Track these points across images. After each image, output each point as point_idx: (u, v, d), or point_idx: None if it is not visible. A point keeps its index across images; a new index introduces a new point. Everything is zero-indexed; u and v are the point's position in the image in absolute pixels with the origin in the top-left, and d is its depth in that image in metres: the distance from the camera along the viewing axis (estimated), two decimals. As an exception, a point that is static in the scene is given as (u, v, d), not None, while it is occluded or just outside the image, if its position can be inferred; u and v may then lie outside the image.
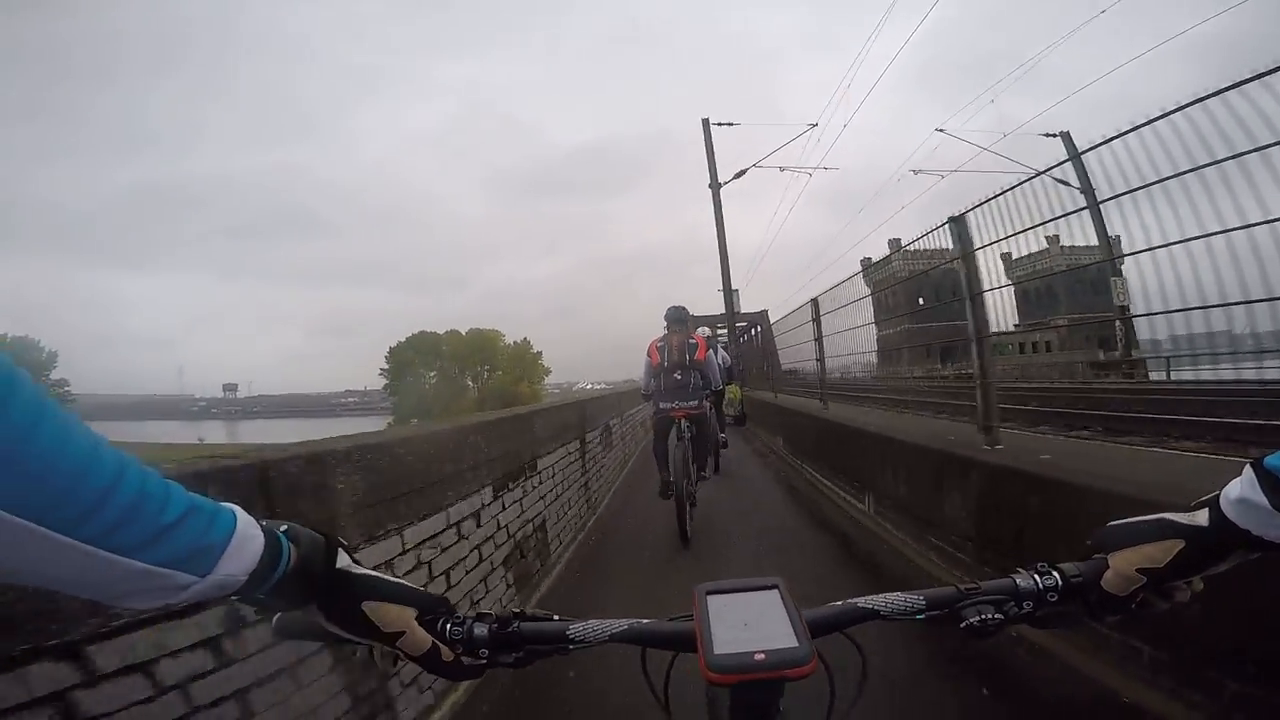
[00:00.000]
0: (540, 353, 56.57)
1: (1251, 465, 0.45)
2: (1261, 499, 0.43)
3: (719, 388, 4.72)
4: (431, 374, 52.48)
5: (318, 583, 0.45)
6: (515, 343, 55.94)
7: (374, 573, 0.50)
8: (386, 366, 51.36)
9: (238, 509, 0.41)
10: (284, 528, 0.45)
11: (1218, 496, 0.47)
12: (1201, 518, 0.48)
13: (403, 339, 52.81)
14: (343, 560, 0.48)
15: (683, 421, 4.14)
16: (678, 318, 4.40)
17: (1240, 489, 0.45)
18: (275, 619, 0.50)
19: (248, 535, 0.41)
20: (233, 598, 0.41)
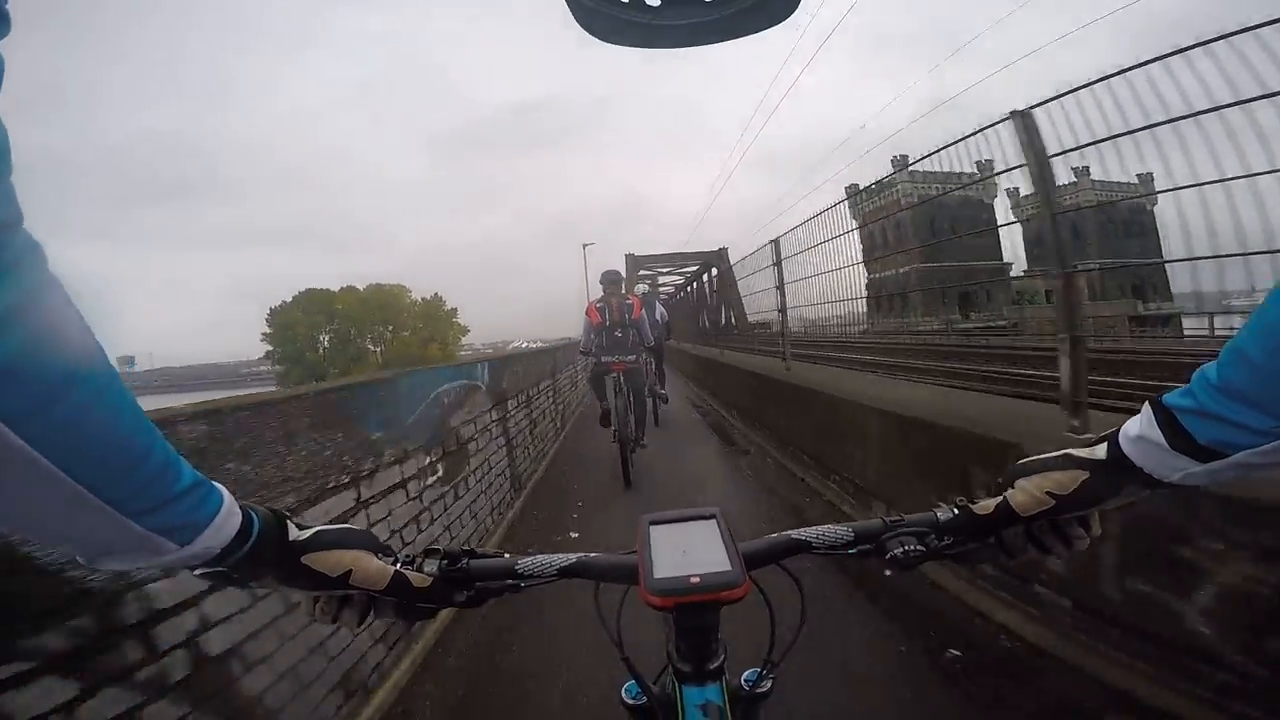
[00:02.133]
0: (455, 309, 52.64)
1: (1150, 403, 0.48)
2: (1158, 436, 0.46)
3: (651, 344, 5.33)
4: (325, 336, 47.59)
5: (272, 555, 0.49)
6: (424, 299, 51.40)
7: (318, 527, 0.53)
8: (268, 331, 45.87)
9: (224, 489, 0.45)
10: (254, 507, 0.49)
11: (1117, 432, 0.50)
12: (1101, 451, 0.51)
13: (287, 299, 47.09)
14: (293, 533, 0.51)
15: (619, 374, 4.74)
16: (613, 280, 5.04)
17: (1139, 426, 0.48)
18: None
19: (230, 513, 0.45)
20: (198, 569, 0.45)
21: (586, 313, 4.95)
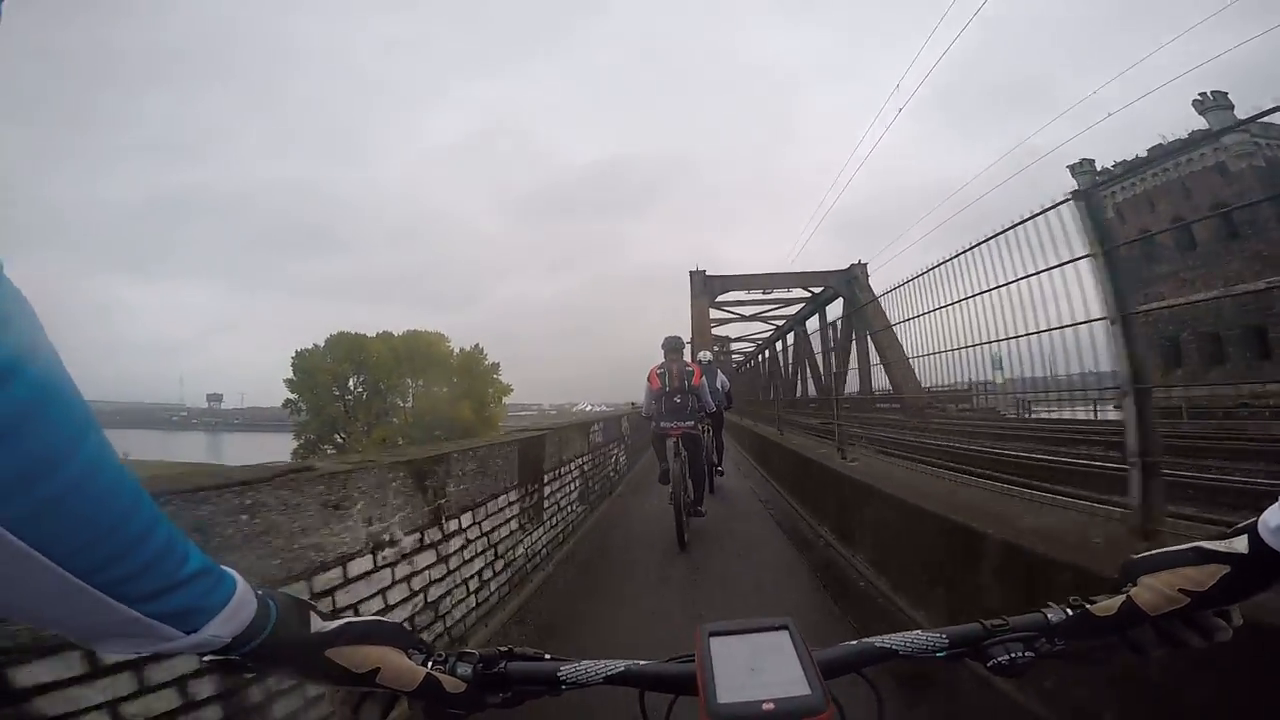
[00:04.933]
0: (497, 364, 49.61)
1: None
2: None
3: (713, 410, 6.34)
4: (355, 386, 45.21)
5: (293, 648, 0.50)
6: (464, 350, 48.48)
7: (345, 620, 0.54)
8: (291, 378, 43.89)
9: (238, 574, 0.47)
10: (272, 594, 0.51)
11: (1255, 523, 0.51)
12: (1240, 545, 0.51)
13: (316, 343, 45.39)
14: (316, 624, 0.52)
15: (676, 439, 5.19)
16: (674, 346, 5.48)
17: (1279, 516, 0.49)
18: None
19: (244, 601, 0.46)
20: (208, 656, 0.46)
21: (648, 378, 5.43)
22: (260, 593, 0.49)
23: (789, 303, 23.47)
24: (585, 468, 6.10)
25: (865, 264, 20.24)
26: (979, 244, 2.98)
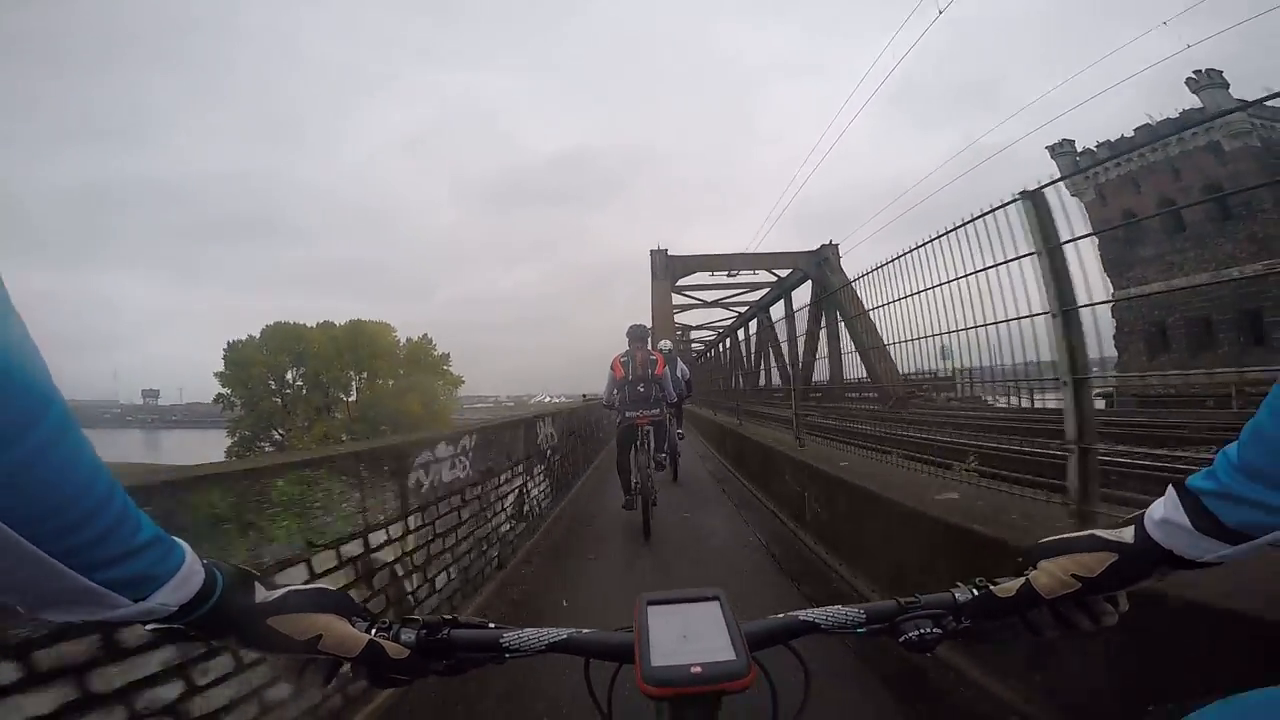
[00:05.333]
0: (446, 355, 47.69)
1: (1174, 486, 0.53)
2: (1184, 519, 0.51)
3: (674, 400, 5.93)
4: (293, 379, 42.73)
5: (236, 616, 0.51)
6: (410, 340, 46.39)
7: (289, 588, 0.55)
8: (223, 370, 41.14)
9: (187, 546, 0.48)
10: (219, 565, 0.52)
11: (1142, 515, 0.55)
12: (1128, 535, 0.56)
13: (251, 334, 42.66)
14: (260, 594, 0.54)
15: (646, 428, 5.15)
16: (639, 335, 5.50)
17: (1164, 509, 0.53)
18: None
19: (192, 570, 0.47)
20: (151, 625, 0.47)
21: (611, 366, 5.40)
22: (206, 563, 0.50)
23: (754, 287, 22.38)
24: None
25: (837, 245, 19.39)
26: (951, 230, 3.01)
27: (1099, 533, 0.57)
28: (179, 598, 0.46)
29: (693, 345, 28.29)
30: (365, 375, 44.68)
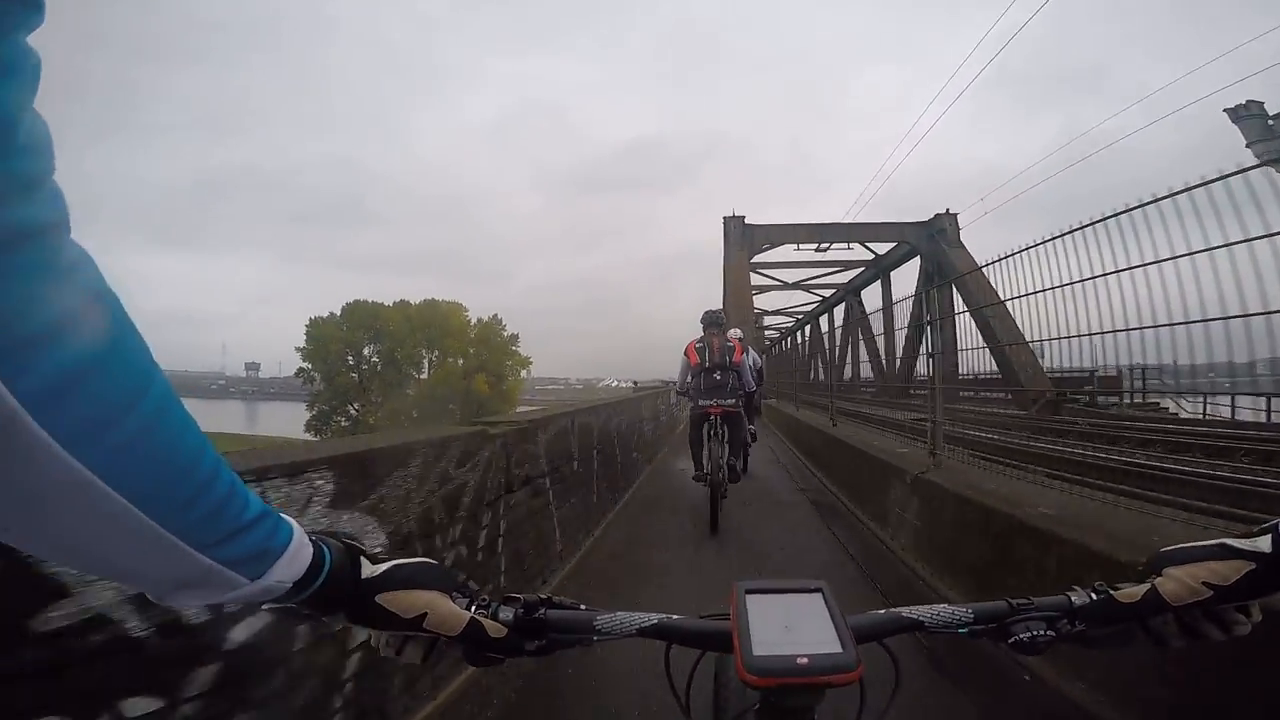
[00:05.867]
0: (515, 335, 47.65)
1: None
2: None
3: (753, 389, 5.60)
4: (370, 355, 43.70)
5: (345, 592, 0.51)
6: (481, 320, 46.54)
7: (393, 562, 0.55)
8: (303, 346, 42.46)
9: (294, 521, 0.47)
10: (325, 540, 0.51)
11: (1278, 524, 0.53)
12: (1264, 544, 0.52)
13: (334, 311, 43.85)
14: (366, 569, 0.53)
15: (717, 417, 4.93)
16: (714, 321, 5.21)
17: None
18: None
19: (301, 545, 0.47)
20: (267, 604, 0.47)
21: (685, 352, 5.18)
22: (314, 538, 0.50)
23: (846, 266, 19.41)
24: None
25: (956, 215, 16.20)
26: (1139, 206, 2.67)
27: (1231, 541, 0.54)
28: (292, 573, 0.46)
29: (765, 332, 26.13)
30: (437, 354, 45.18)
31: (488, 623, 0.56)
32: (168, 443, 0.36)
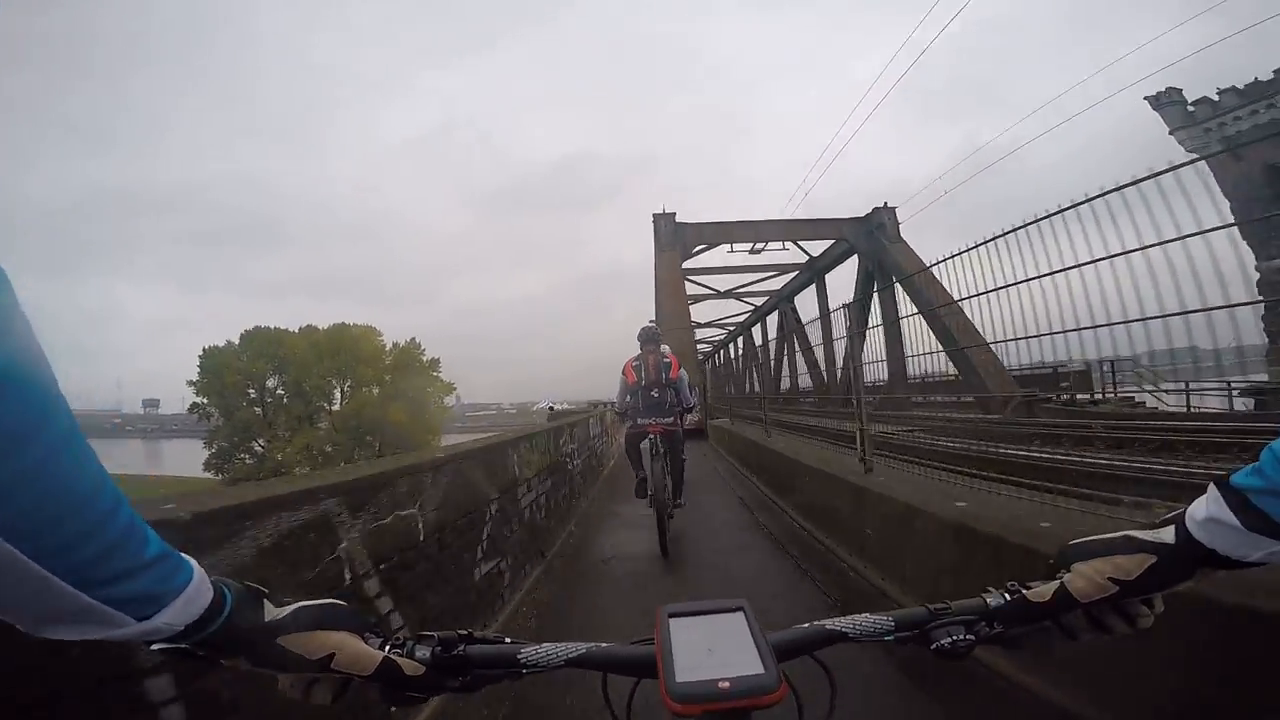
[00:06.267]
0: (436, 359, 45.18)
1: (1216, 484, 0.51)
2: (1230, 518, 0.49)
3: (691, 405, 5.31)
4: (276, 388, 40.32)
5: (246, 635, 0.50)
6: (397, 345, 43.83)
7: (297, 605, 0.54)
8: (196, 379, 38.71)
9: (194, 562, 0.46)
10: (226, 583, 0.50)
11: (1183, 515, 0.54)
12: (1168, 535, 0.54)
13: (230, 339, 40.27)
14: (269, 612, 0.52)
15: (656, 436, 4.87)
16: (650, 337, 5.11)
17: (1207, 508, 0.52)
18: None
19: (200, 589, 0.46)
20: (157, 644, 0.45)
21: (623, 371, 5.11)
22: (215, 580, 0.48)
23: (779, 270, 18.56)
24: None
25: (894, 209, 15.75)
26: (1088, 200, 2.76)
27: (1135, 534, 0.56)
28: (185, 617, 0.44)
29: (697, 346, 25.32)
30: (350, 383, 42.08)
31: (404, 661, 0.55)
32: (62, 479, 0.34)
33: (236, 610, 0.48)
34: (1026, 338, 3.25)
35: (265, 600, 0.52)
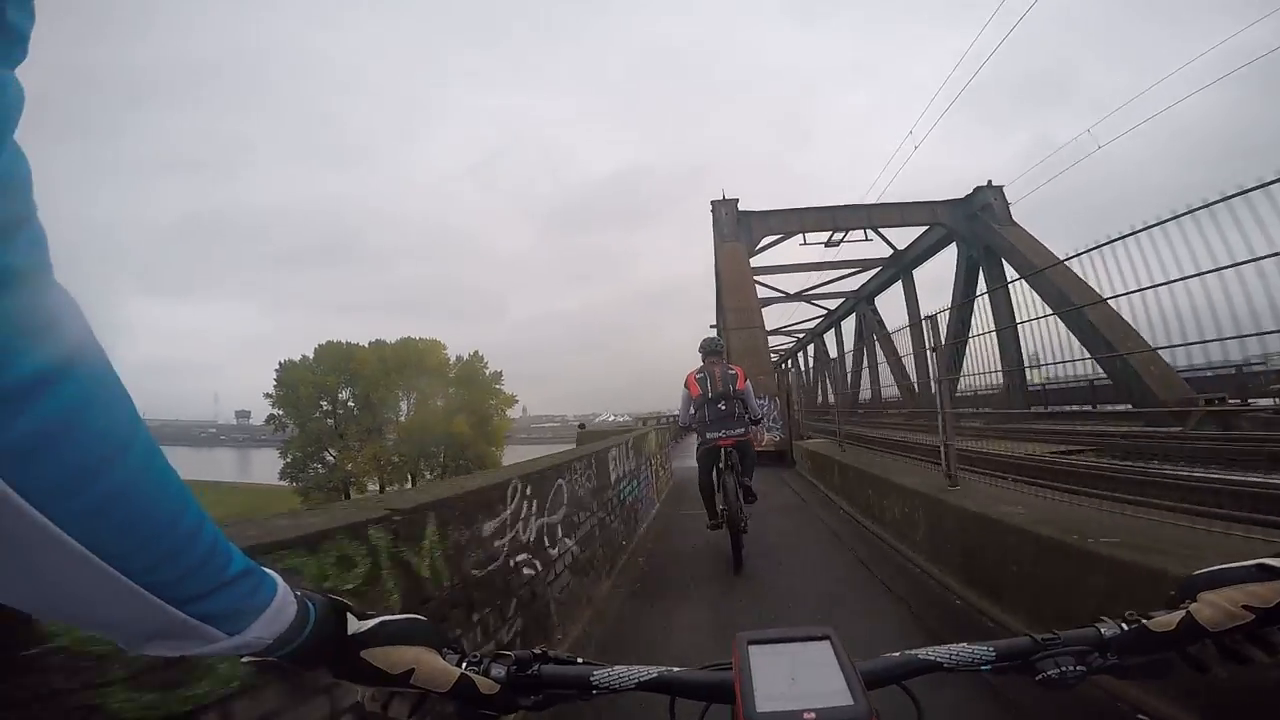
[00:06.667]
0: (499, 373, 45.30)
1: None
2: None
3: (760, 418, 5.16)
4: (346, 400, 41.36)
5: (330, 648, 0.52)
6: (461, 358, 44.22)
7: (380, 619, 0.55)
8: (272, 392, 40.07)
9: (279, 577, 0.48)
10: (311, 596, 0.52)
11: None
12: None
13: (305, 354, 41.55)
14: (353, 625, 0.54)
15: (728, 449, 4.64)
16: (713, 349, 4.94)
17: None
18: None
19: (285, 602, 0.47)
20: (248, 657, 0.46)
21: (685, 384, 4.87)
22: (299, 594, 0.50)
23: (861, 266, 16.57)
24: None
25: (1002, 188, 13.81)
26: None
27: (1270, 561, 0.52)
28: (274, 630, 0.46)
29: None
30: (415, 396, 42.68)
31: (479, 679, 0.56)
32: (147, 499, 0.35)
33: (321, 623, 0.49)
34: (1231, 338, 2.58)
35: (349, 614, 0.53)
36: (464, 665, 0.56)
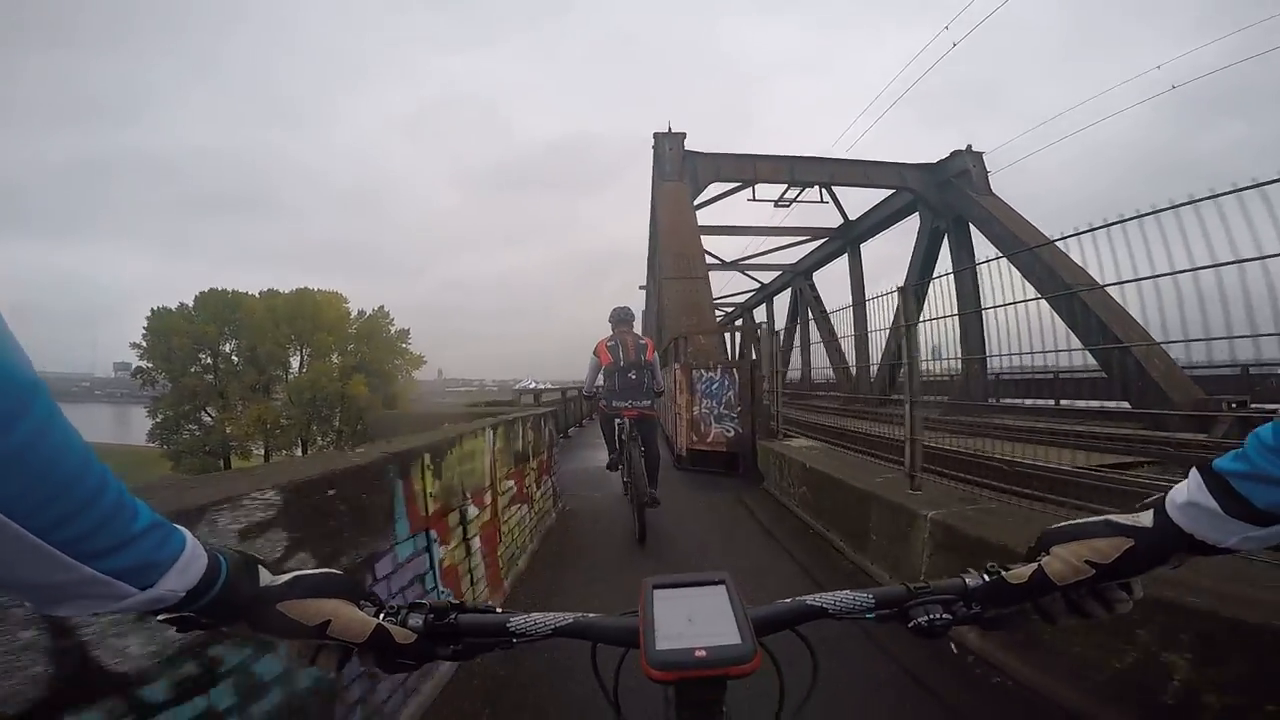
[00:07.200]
0: (405, 330, 42.41)
1: (1198, 468, 0.50)
2: (1210, 502, 0.49)
3: (662, 390, 5.11)
4: (231, 354, 37.35)
5: (244, 601, 0.51)
6: (364, 313, 40.89)
7: (295, 573, 0.55)
8: (140, 343, 35.61)
9: (187, 531, 0.48)
10: (221, 550, 0.51)
11: (1163, 499, 0.53)
12: (1146, 519, 0.54)
13: (183, 302, 37.13)
14: (265, 578, 0.54)
15: (629, 421, 4.61)
16: (624, 318, 4.95)
17: (1187, 492, 0.51)
18: None
19: (195, 555, 0.47)
20: (160, 615, 0.47)
21: (596, 351, 4.87)
22: (208, 548, 0.49)
23: (808, 235, 15.54)
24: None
25: (981, 155, 13.15)
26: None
27: (1114, 518, 0.55)
28: (185, 583, 0.45)
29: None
30: (308, 352, 39.08)
31: (395, 629, 0.56)
32: (51, 455, 0.35)
33: (233, 577, 0.49)
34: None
35: (261, 568, 0.54)
36: (381, 616, 0.56)
